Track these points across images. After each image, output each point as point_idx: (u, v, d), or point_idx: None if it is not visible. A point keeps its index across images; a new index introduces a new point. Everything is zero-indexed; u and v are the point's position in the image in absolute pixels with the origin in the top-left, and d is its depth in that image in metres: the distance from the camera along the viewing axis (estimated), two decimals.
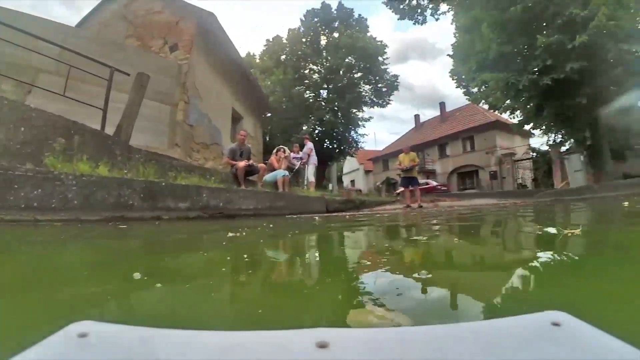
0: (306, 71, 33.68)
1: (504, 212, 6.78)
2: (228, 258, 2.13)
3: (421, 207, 10.92)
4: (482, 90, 19.54)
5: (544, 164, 23.26)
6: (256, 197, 7.08)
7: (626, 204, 6.11)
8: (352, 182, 48.38)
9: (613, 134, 15.55)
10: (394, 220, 5.90)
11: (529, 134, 25.82)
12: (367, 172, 48.28)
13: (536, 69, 14.55)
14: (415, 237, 3.38)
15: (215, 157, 13.89)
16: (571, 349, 0.46)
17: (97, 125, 6.41)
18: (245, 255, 2.16)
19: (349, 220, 6.10)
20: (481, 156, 32.08)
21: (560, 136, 17.96)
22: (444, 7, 20.19)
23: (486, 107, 24.12)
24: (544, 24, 14.50)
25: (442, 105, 43.23)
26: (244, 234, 3.49)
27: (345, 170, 51.17)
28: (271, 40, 35.31)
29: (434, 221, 5.27)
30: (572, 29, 13.54)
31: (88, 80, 7.38)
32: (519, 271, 1.67)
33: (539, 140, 37.47)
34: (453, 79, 25.44)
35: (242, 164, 9.25)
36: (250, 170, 9.55)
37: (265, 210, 7.06)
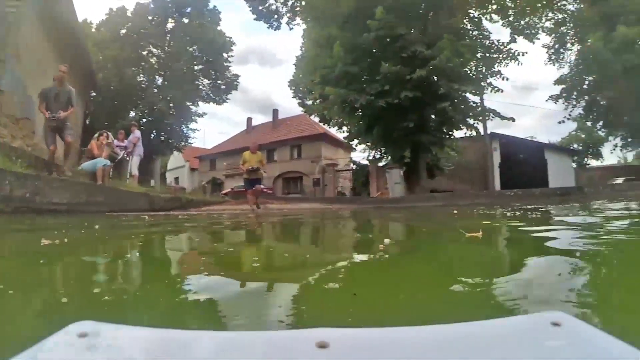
0: (145, 52, 31.37)
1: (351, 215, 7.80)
2: (65, 300, 1.32)
3: (255, 209, 10.64)
4: (316, 103, 21.35)
5: (362, 175, 26.15)
6: (71, 189, 6.26)
7: (455, 211, 7.61)
8: (177, 179, 46.50)
9: (428, 155, 18.38)
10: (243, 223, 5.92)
11: (351, 148, 28.50)
12: (192, 170, 47.20)
13: (374, 92, 16.22)
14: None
15: (25, 136, 11.52)
16: (571, 349, 0.47)
17: None
18: (92, 289, 1.48)
19: (186, 220, 5.86)
20: (306, 164, 34.41)
21: (379, 153, 20.44)
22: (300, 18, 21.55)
23: (317, 119, 26.28)
24: (390, 54, 16.41)
25: (275, 112, 44.73)
26: (65, 240, 2.71)
27: (169, 166, 48.92)
28: (114, 10, 31.67)
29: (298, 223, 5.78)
30: (414, 63, 15.88)
31: None
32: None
33: (360, 155, 41.77)
34: (291, 89, 27.10)
35: (53, 147, 7.49)
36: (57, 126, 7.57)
37: (81, 205, 6.26)
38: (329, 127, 26.33)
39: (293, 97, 27.78)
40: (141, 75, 31.21)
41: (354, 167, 29.27)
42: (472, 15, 20.23)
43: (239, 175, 36.45)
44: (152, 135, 30.10)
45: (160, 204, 9.13)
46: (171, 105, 30.51)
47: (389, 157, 19.42)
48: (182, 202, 11.12)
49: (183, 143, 33.61)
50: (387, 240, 2.74)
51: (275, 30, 22.96)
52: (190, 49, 31.08)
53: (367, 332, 0.53)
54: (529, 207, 7.77)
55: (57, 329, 0.50)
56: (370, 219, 6.97)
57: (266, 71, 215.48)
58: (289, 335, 0.53)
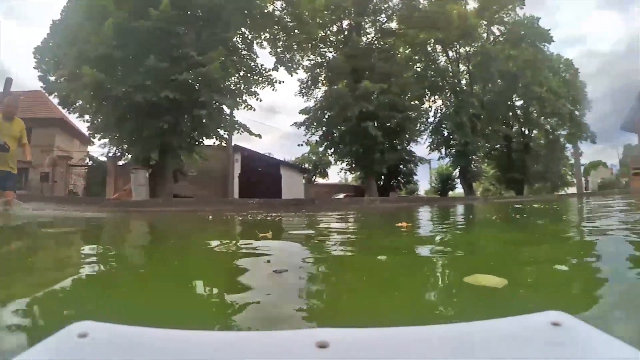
0: None
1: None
2: None
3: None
4: (62, 81, 19.74)
5: (99, 173, 24.20)
6: None
7: (210, 217, 8.40)
8: None
9: (177, 159, 18.51)
10: None
11: (89, 141, 26.40)
12: None
13: (135, 84, 15.50)
14: None
15: None
16: (571, 349, 0.48)
17: None
18: None
19: None
20: (35, 153, 28.17)
21: (121, 150, 19.44)
22: None
23: (56, 101, 23.17)
24: (161, 49, 16.08)
25: (8, 82, 36.38)
26: None
27: None
28: None
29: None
30: (181, 65, 16.13)
31: None
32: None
33: (99, 150, 37.15)
34: (36, 57, 23.26)
35: None
36: None
37: None
38: (69, 113, 23.53)
39: (35, 68, 23.33)
40: None
41: (91, 163, 26.76)
42: (246, 35, 22.10)
43: None
44: None
45: None
46: None
47: (131, 156, 18.70)
48: None
49: None
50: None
51: None
52: None
53: (367, 332, 0.55)
54: (273, 214, 8.80)
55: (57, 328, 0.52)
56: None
57: (9, 27, 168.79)
58: (289, 335, 0.54)
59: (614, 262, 2.33)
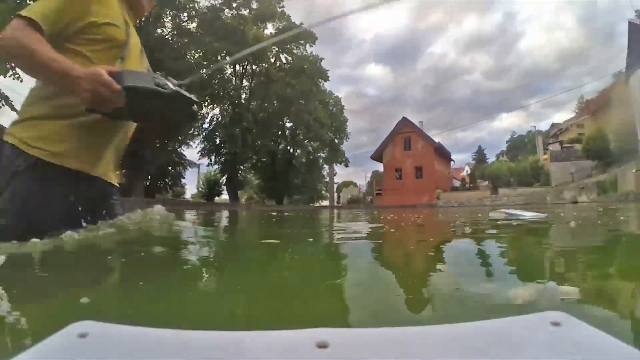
0: None
1: None
2: None
3: None
4: None
5: None
6: None
7: None
8: None
9: None
10: None
11: None
12: None
13: None
14: None
15: None
16: (571, 349, 0.48)
17: None
18: None
19: None
20: None
21: None
22: None
23: None
24: None
25: None
26: None
27: None
28: None
29: None
30: None
31: None
32: None
33: None
34: None
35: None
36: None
37: None
38: None
39: None
40: None
41: None
42: None
43: None
44: None
45: None
46: None
47: None
48: None
49: None
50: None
51: None
52: None
53: (367, 332, 0.55)
54: None
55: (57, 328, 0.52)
56: None
57: None
58: (289, 335, 0.54)
59: (327, 231, 4.44)
